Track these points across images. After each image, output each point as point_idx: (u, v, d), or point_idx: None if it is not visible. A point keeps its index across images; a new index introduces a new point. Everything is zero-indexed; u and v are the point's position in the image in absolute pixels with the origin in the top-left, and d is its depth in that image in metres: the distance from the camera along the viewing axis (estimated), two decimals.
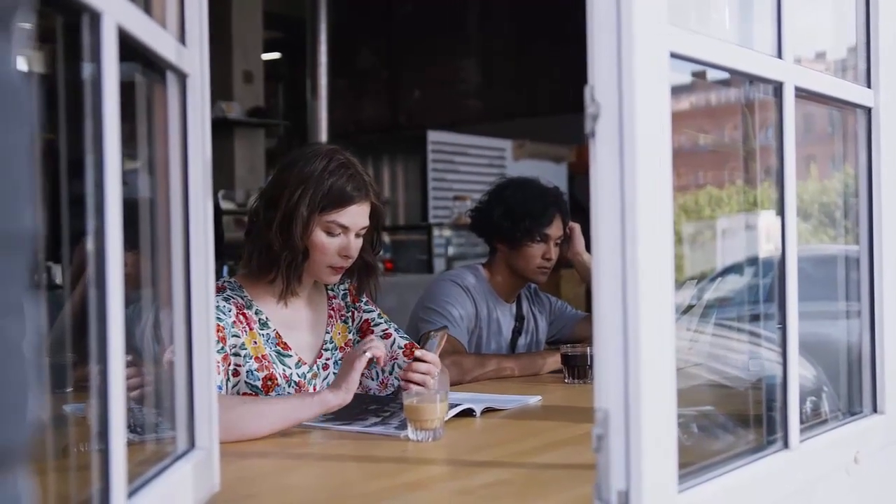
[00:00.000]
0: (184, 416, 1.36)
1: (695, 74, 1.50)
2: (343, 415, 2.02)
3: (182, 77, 1.34)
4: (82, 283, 1.43)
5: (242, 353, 2.13)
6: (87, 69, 1.00)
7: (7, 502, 0.55)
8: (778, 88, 1.52)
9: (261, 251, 2.18)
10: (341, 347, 2.33)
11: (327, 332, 2.32)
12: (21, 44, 0.60)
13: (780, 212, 1.54)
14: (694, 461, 1.35)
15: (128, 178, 1.10)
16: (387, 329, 2.36)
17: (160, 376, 1.46)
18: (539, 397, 2.36)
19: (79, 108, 1.01)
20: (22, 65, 0.60)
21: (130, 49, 1.10)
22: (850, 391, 1.86)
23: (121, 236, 1.01)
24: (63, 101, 1.08)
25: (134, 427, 1.31)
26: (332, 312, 2.35)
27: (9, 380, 0.55)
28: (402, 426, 1.91)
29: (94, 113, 1.00)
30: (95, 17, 0.99)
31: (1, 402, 0.54)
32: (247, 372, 2.13)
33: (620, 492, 1.17)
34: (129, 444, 1.06)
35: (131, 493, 1.08)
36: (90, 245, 0.99)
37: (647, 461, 1.16)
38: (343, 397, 1.94)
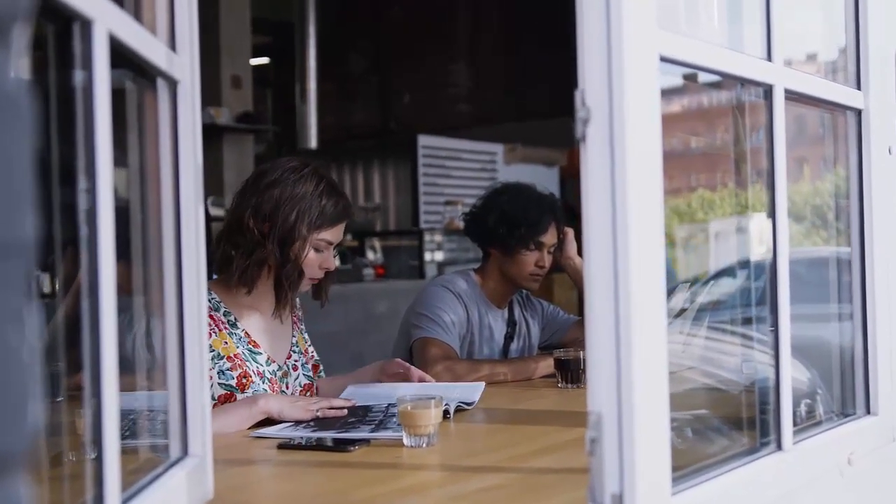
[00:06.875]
0: (177, 424, 1.36)
1: (686, 77, 1.50)
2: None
3: (173, 84, 1.34)
4: (72, 290, 1.43)
5: (210, 354, 2.16)
6: (77, 76, 1.00)
7: None
8: (768, 91, 1.53)
9: (256, 265, 2.24)
10: (304, 352, 2.44)
11: (293, 336, 2.43)
12: (20, 53, 0.60)
13: (772, 214, 1.54)
14: (687, 464, 1.35)
15: (117, 186, 1.10)
16: (296, 362, 2.44)
17: (152, 385, 1.46)
18: (482, 384, 2.41)
19: (70, 114, 1.00)
20: (21, 73, 0.60)
21: (120, 56, 1.10)
22: (843, 393, 1.87)
23: (113, 244, 1.01)
24: (53, 108, 1.08)
25: (123, 434, 1.31)
26: (295, 319, 2.46)
27: (9, 386, 0.55)
28: (400, 429, 1.90)
29: (86, 120, 0.99)
30: (86, 25, 0.98)
31: (1, 409, 0.54)
32: (219, 373, 2.19)
33: (614, 495, 1.17)
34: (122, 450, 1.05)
35: (125, 501, 1.08)
36: (83, 254, 0.99)
37: (640, 464, 1.16)
38: (277, 407, 2.07)
